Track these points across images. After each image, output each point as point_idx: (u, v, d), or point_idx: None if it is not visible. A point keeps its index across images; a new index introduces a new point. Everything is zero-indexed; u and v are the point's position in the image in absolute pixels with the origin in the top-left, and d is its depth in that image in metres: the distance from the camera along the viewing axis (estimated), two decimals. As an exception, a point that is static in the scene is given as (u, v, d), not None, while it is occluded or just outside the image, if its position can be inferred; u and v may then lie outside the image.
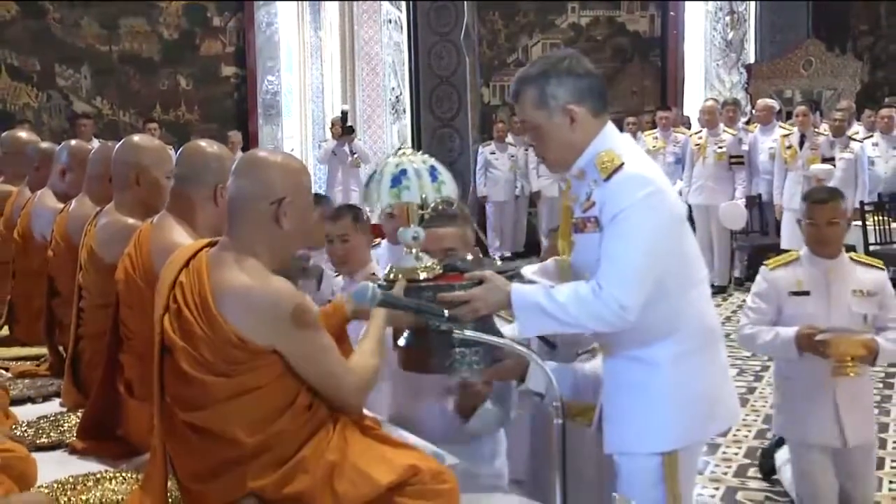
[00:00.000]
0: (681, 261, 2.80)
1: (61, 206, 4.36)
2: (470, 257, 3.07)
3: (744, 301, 9.77)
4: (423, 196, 2.75)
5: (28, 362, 4.27)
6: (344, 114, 12.02)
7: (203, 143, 3.36)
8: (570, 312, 2.69)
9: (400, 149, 2.91)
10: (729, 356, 7.44)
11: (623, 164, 2.72)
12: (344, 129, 11.96)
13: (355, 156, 12.04)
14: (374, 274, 3.68)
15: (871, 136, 10.54)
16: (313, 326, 2.44)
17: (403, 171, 2.76)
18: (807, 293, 4.21)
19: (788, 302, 4.25)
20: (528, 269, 3.13)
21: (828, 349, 3.97)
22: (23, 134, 5.82)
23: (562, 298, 2.70)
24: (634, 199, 2.67)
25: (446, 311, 2.63)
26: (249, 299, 2.37)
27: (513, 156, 12.66)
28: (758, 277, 4.42)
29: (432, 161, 2.82)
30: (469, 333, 2.65)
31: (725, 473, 5.32)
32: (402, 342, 2.77)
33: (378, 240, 4.92)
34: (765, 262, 4.53)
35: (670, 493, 2.79)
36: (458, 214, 3.55)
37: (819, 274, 4.22)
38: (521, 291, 2.74)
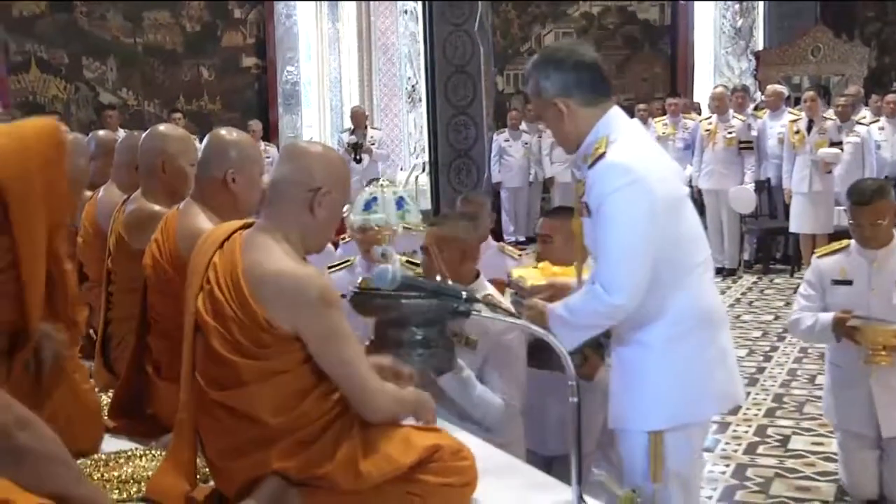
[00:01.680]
0: (673, 245, 2.80)
1: (90, 193, 4.39)
2: (439, 278, 3.15)
3: (753, 283, 10.04)
4: (386, 221, 3.15)
5: (59, 345, 4.39)
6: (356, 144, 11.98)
7: (223, 131, 3.41)
8: (581, 315, 2.81)
9: (377, 180, 3.25)
10: (739, 337, 7.67)
11: (605, 152, 2.77)
12: (355, 151, 11.88)
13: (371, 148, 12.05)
14: (409, 260, 3.76)
15: (878, 120, 10.60)
16: (337, 312, 2.46)
17: (374, 199, 3.16)
18: (849, 282, 4.16)
19: (830, 290, 4.19)
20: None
21: (859, 336, 3.96)
22: None
23: (573, 304, 2.83)
24: (612, 188, 2.72)
25: (464, 293, 2.75)
26: (278, 282, 2.40)
27: (526, 143, 12.72)
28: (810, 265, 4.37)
29: (402, 193, 3.15)
30: (486, 314, 2.79)
31: (736, 451, 5.37)
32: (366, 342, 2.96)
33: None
34: (815, 250, 4.50)
35: (653, 471, 2.82)
36: (462, 213, 3.77)
37: (864, 263, 4.15)
38: (552, 311, 2.86)
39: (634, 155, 2.80)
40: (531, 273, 3.26)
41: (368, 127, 12.15)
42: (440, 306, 2.82)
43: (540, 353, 3.34)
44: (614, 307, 2.75)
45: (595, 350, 3.21)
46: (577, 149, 2.91)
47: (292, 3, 13.35)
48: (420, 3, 12.85)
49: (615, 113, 2.91)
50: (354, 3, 13.46)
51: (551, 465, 3.64)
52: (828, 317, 4.09)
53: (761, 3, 14.43)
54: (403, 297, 2.76)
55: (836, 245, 4.35)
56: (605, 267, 2.77)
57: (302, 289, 2.40)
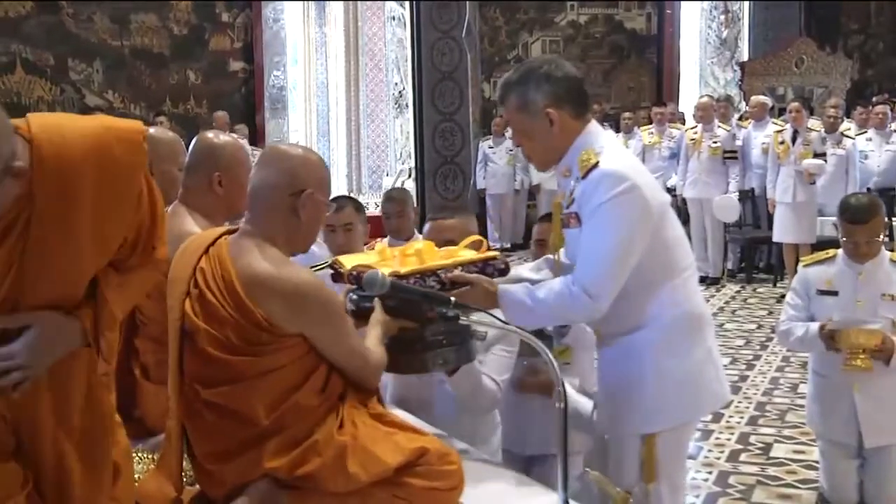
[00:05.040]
0: (662, 251, 2.86)
1: None
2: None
3: (736, 292, 10.10)
4: None
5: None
6: None
7: (210, 134, 3.42)
8: (549, 307, 2.82)
9: None
10: (721, 345, 7.76)
11: (598, 162, 2.81)
12: None
13: None
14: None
15: (865, 132, 10.68)
16: (338, 312, 2.50)
17: None
18: (835, 293, 4.15)
19: (816, 300, 4.19)
20: (524, 268, 3.27)
21: (839, 338, 3.97)
22: None
23: (541, 295, 2.83)
24: (608, 195, 2.76)
25: (453, 298, 2.74)
26: (279, 287, 2.40)
27: (511, 149, 12.74)
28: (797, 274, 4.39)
29: None
30: (475, 318, 2.77)
31: (718, 458, 5.42)
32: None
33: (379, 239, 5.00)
34: (801, 259, 4.49)
35: (648, 473, 2.87)
36: (462, 207, 3.77)
37: (851, 275, 4.13)
38: (507, 292, 2.88)
39: (626, 164, 2.87)
40: (355, 258, 3.06)
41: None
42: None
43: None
44: (595, 312, 2.80)
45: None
46: (556, 163, 2.95)
47: (280, 7, 13.34)
48: (408, 9, 12.88)
49: (595, 127, 2.96)
50: (342, 8, 13.47)
51: (531, 465, 3.66)
52: (817, 325, 4.10)
53: (747, 15, 14.54)
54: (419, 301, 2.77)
55: (822, 254, 4.34)
56: (592, 271, 2.78)
57: (303, 293, 2.41)
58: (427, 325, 2.81)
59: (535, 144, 2.97)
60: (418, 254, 2.94)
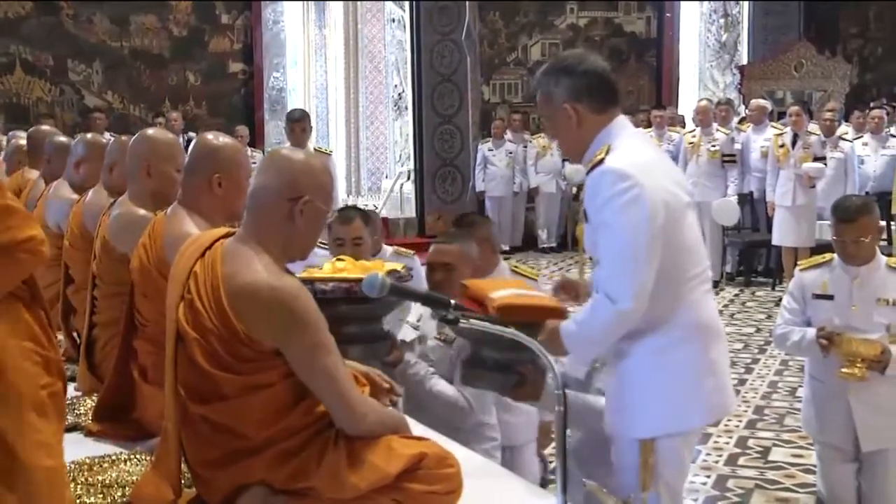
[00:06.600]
0: (671, 255, 2.80)
1: (77, 196, 4.35)
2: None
3: (735, 296, 10.10)
4: None
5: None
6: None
7: (210, 135, 3.40)
8: (588, 324, 2.82)
9: None
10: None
11: (603, 159, 2.80)
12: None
13: None
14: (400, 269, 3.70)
15: (861, 136, 10.70)
16: (315, 325, 2.41)
17: None
18: (830, 297, 4.13)
19: (812, 304, 4.18)
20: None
21: (838, 342, 3.96)
22: (45, 128, 5.91)
23: (581, 316, 2.84)
24: (606, 194, 2.75)
25: (453, 301, 2.71)
26: (255, 296, 2.36)
27: (510, 152, 12.81)
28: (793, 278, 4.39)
29: None
30: (474, 322, 2.72)
31: (717, 462, 5.44)
32: None
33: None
34: (798, 263, 4.50)
35: (642, 479, 2.85)
36: (464, 233, 3.86)
37: (846, 279, 4.11)
38: (560, 327, 2.87)
39: (631, 161, 2.82)
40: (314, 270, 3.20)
41: None
42: (375, 307, 2.93)
43: (473, 369, 3.19)
44: (622, 314, 2.76)
45: (537, 370, 3.04)
46: (580, 155, 2.96)
47: (279, 9, 13.36)
48: (408, 11, 12.90)
49: (621, 122, 2.95)
50: (342, 10, 13.48)
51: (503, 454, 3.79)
52: (814, 331, 4.10)
53: (746, 18, 14.57)
54: (340, 301, 2.88)
55: (819, 258, 4.34)
56: (607, 274, 2.79)
57: (279, 303, 2.36)
58: (345, 324, 2.95)
59: (560, 136, 3.01)
60: (333, 266, 3.15)
